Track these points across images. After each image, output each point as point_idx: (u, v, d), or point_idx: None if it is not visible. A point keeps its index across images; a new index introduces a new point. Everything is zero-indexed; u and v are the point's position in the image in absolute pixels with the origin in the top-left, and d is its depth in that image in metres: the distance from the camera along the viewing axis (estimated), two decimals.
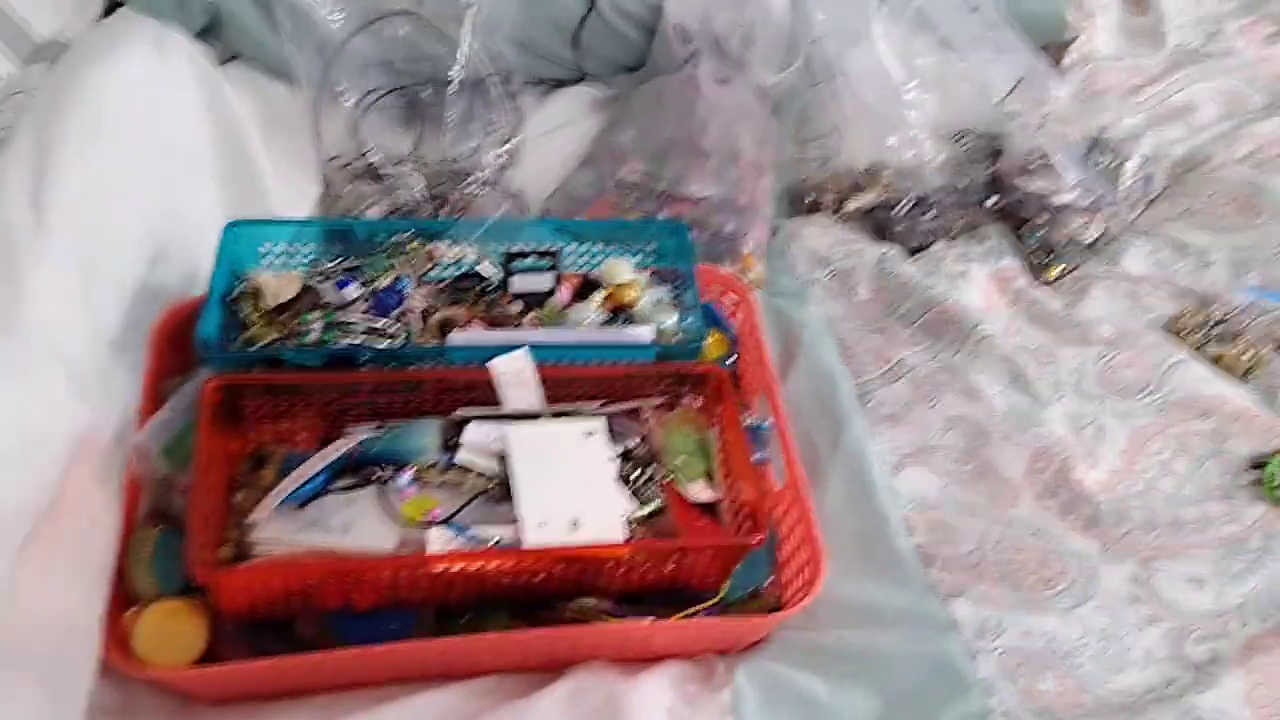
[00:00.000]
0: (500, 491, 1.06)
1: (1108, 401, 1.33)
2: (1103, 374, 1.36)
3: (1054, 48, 1.84)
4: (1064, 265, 1.55)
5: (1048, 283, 1.54)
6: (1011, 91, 1.64)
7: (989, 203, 1.61)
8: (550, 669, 1.06)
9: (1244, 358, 1.39)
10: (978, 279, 1.50)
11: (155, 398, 1.13)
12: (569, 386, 1.14)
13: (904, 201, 1.58)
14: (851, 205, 1.59)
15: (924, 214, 1.58)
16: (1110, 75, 1.83)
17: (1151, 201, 1.66)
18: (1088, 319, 1.44)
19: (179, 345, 1.17)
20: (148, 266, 1.22)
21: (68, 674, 0.93)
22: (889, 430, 1.29)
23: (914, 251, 1.56)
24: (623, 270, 1.27)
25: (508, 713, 1.00)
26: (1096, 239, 1.57)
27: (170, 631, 0.98)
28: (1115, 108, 1.78)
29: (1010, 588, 1.14)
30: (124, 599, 1.01)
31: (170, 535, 1.03)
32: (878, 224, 1.60)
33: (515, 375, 1.10)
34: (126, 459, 1.07)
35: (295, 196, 1.45)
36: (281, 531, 1.00)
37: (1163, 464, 1.27)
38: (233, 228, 1.20)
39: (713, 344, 1.30)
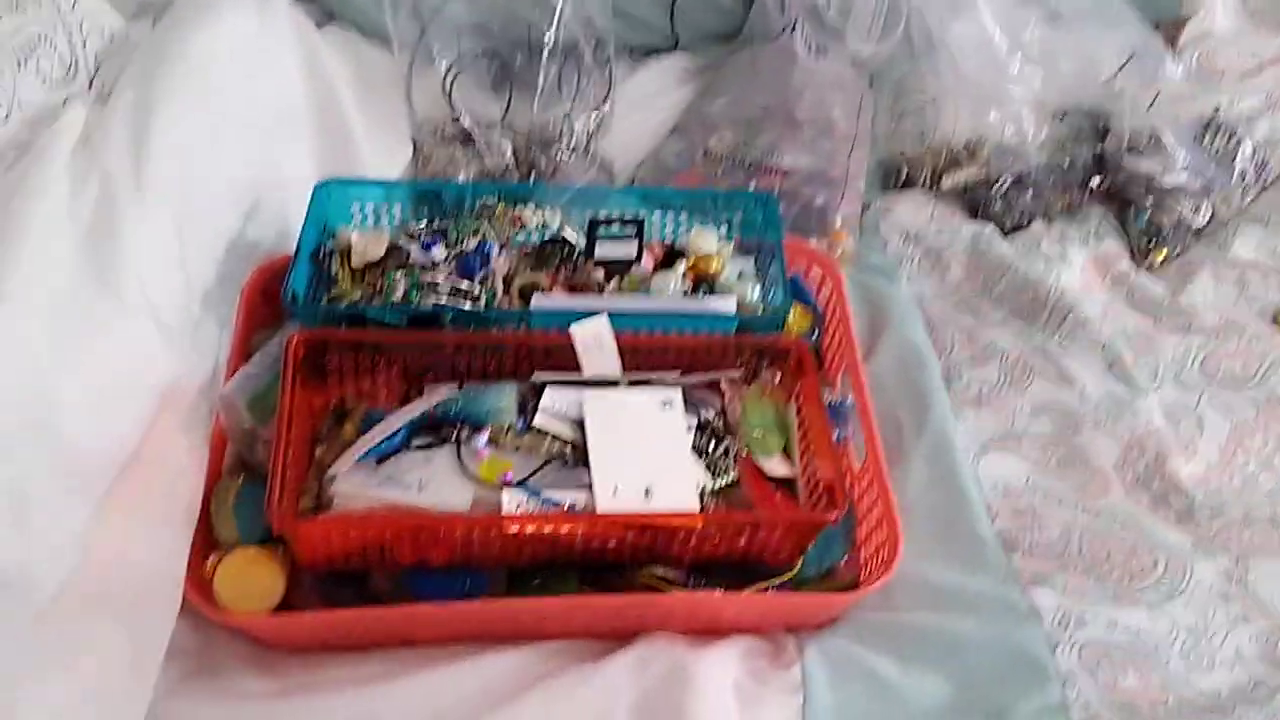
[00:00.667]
0: (575, 457, 1.06)
1: (1208, 392, 1.28)
2: (1204, 364, 1.31)
3: (1169, 24, 1.76)
4: (1169, 249, 1.49)
5: (1152, 267, 1.49)
6: (1122, 68, 1.58)
7: (1093, 183, 1.56)
8: (618, 636, 1.06)
9: None
10: (1076, 261, 1.45)
11: (245, 351, 1.16)
12: (648, 355, 1.14)
13: (1002, 179, 1.53)
14: (947, 181, 1.55)
15: (1023, 193, 1.53)
16: (1227, 55, 1.75)
17: (1266, 187, 1.58)
18: (1192, 306, 1.39)
19: (271, 300, 1.19)
20: (242, 222, 1.24)
21: (149, 619, 0.97)
22: (975, 413, 1.25)
23: (1010, 231, 1.52)
24: (708, 241, 1.25)
25: (574, 676, 1.00)
26: (1205, 224, 1.50)
27: (249, 579, 1.00)
28: (1232, 89, 1.70)
29: (1096, 579, 1.11)
30: (207, 545, 1.03)
31: (253, 485, 1.05)
32: (974, 201, 1.56)
33: (595, 341, 1.10)
34: (213, 410, 1.10)
35: (387, 157, 1.47)
36: (359, 486, 1.02)
37: (1264, 459, 1.22)
38: (323, 187, 1.21)
39: (797, 318, 1.27)
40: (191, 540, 1.01)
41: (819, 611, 1.10)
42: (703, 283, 1.24)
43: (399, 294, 1.14)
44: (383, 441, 1.03)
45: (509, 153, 1.45)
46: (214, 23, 1.30)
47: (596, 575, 1.07)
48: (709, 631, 1.08)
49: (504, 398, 1.09)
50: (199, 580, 1.00)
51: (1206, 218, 1.50)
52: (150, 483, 1.01)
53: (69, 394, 0.97)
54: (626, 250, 1.23)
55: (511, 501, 1.00)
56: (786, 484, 1.13)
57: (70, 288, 1.01)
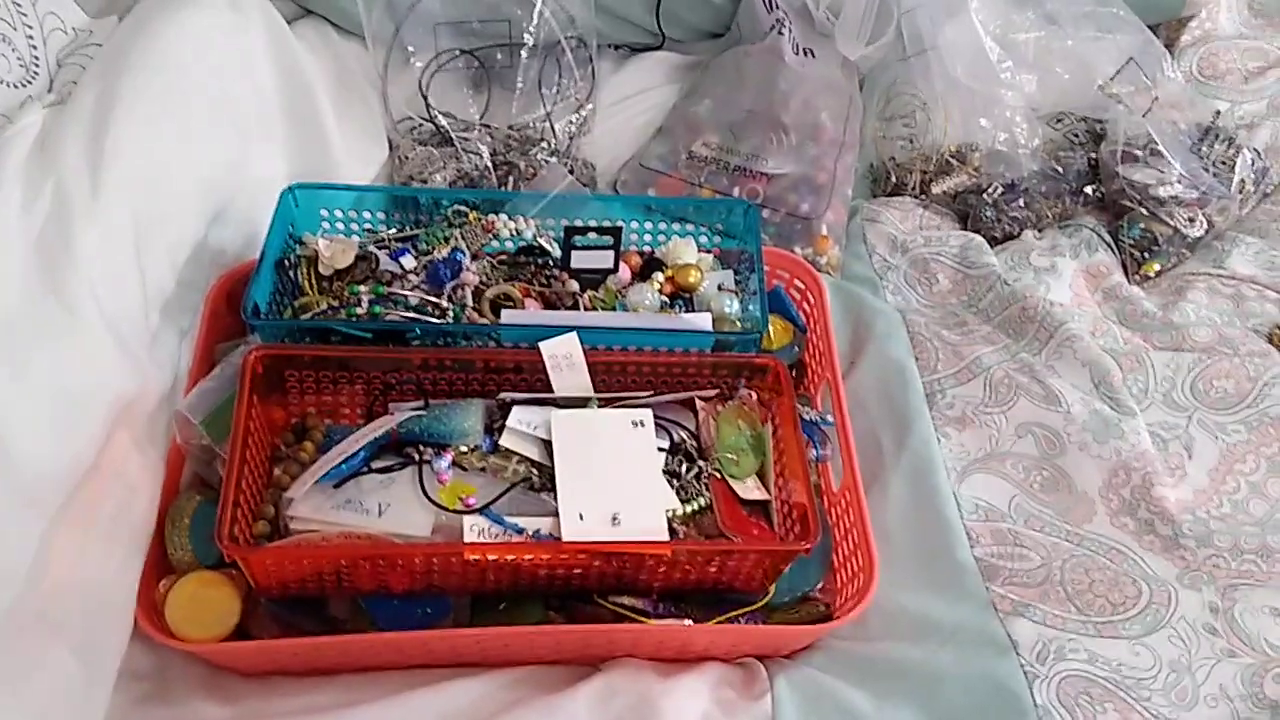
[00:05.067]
0: (541, 480, 1.03)
1: (1199, 414, 1.24)
2: (1195, 383, 1.27)
3: (1169, 26, 1.72)
4: (1163, 262, 1.45)
5: (1144, 280, 1.45)
6: (1119, 73, 1.54)
7: (1086, 191, 1.52)
8: (585, 663, 1.04)
9: None
10: (1067, 273, 1.41)
11: (207, 362, 1.13)
12: (621, 373, 1.10)
13: (993, 187, 1.50)
14: (937, 188, 1.52)
15: (1014, 201, 1.49)
16: (1229, 57, 1.70)
17: (1265, 196, 1.54)
18: (1184, 322, 1.34)
19: (236, 309, 1.15)
20: (207, 227, 1.20)
21: (100, 640, 0.94)
22: (957, 433, 1.22)
23: (1000, 240, 1.48)
24: (687, 251, 1.22)
25: (537, 709, 0.97)
26: (1201, 235, 1.46)
27: (203, 603, 0.98)
28: (1233, 93, 1.66)
29: (1077, 609, 1.07)
30: (162, 566, 1.00)
31: (210, 504, 1.02)
32: (963, 209, 1.52)
33: (564, 359, 1.07)
34: (171, 425, 1.06)
35: (362, 158, 1.43)
36: (316, 510, 0.99)
37: (1254, 485, 1.18)
38: (290, 192, 1.18)
39: (778, 332, 1.24)
40: (144, 561, 0.98)
41: (791, 641, 1.07)
42: (680, 295, 1.20)
43: (363, 307, 1.10)
44: (342, 463, 1.00)
45: (487, 155, 1.41)
46: (181, 18, 1.25)
47: (564, 600, 1.04)
48: (678, 659, 1.05)
49: (470, 417, 1.06)
50: (150, 604, 0.97)
51: (1202, 229, 1.46)
52: (103, 501, 0.97)
53: (19, 409, 0.93)
54: (603, 260, 1.19)
55: (473, 529, 0.97)
56: (761, 507, 1.10)
57: (21, 299, 0.97)
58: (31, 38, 1.17)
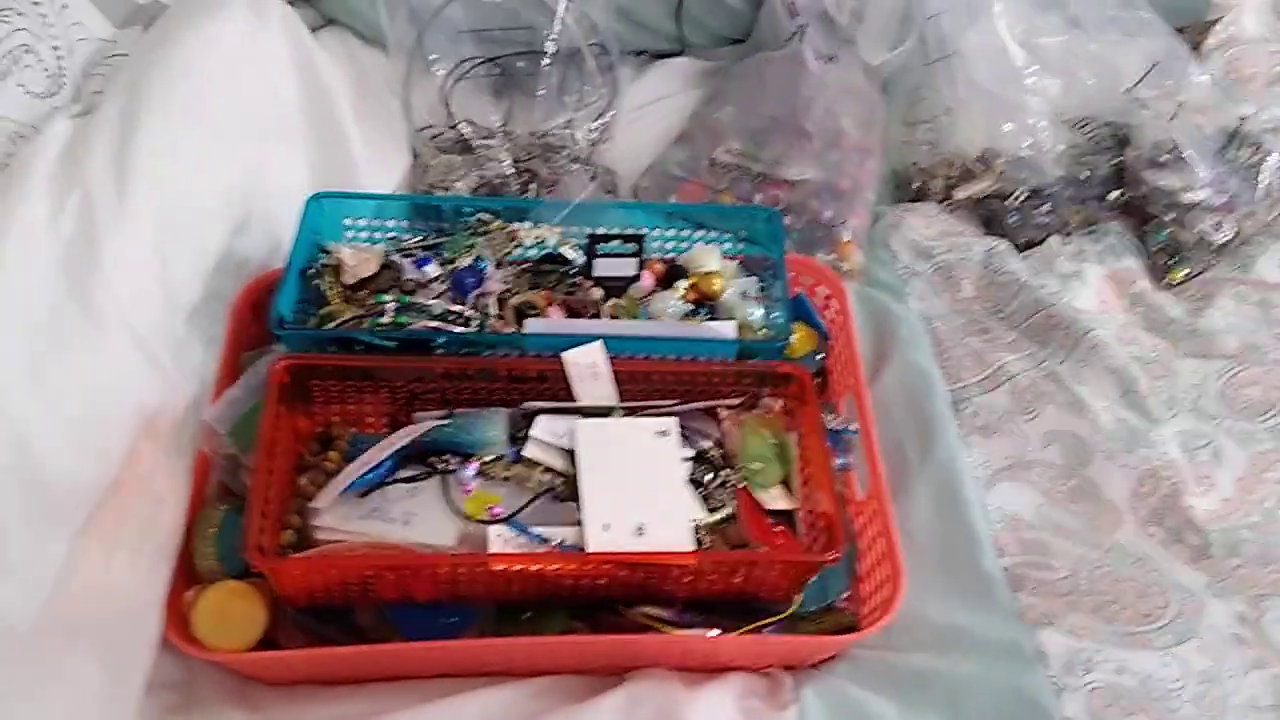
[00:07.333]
0: (566, 489, 1.03)
1: (1227, 422, 1.23)
2: (1224, 391, 1.26)
3: (1195, 29, 1.71)
4: (1190, 268, 1.44)
5: (1171, 286, 1.44)
6: (1144, 77, 1.53)
7: (1111, 197, 1.51)
8: (609, 673, 1.04)
9: None
10: (1093, 280, 1.40)
11: (233, 371, 1.13)
12: (644, 382, 1.10)
13: (1018, 192, 1.48)
14: (960, 194, 1.51)
15: (1039, 207, 1.48)
16: (1256, 60, 1.69)
17: None
18: (1212, 329, 1.34)
19: (261, 318, 1.16)
20: (231, 236, 1.21)
21: (126, 651, 0.94)
22: (983, 441, 1.21)
23: (1025, 247, 1.47)
24: (710, 258, 1.21)
25: (562, 719, 0.97)
26: (1228, 241, 1.45)
27: (230, 613, 0.97)
28: (1259, 97, 1.64)
29: (1105, 620, 1.07)
30: (188, 577, 1.01)
31: (237, 514, 1.02)
32: (988, 215, 1.51)
33: (589, 368, 1.06)
34: (197, 435, 1.07)
35: (384, 167, 1.43)
36: (342, 520, 0.99)
37: None
38: (315, 200, 1.18)
39: (801, 339, 1.24)
40: (172, 571, 0.99)
41: (818, 651, 1.07)
42: (704, 303, 1.20)
43: (388, 316, 1.10)
44: (368, 472, 1.00)
45: (509, 162, 1.41)
46: (206, 29, 1.26)
47: (588, 610, 1.04)
48: (704, 669, 1.05)
49: (494, 427, 1.06)
50: (177, 614, 0.97)
51: (1229, 235, 1.45)
52: (129, 511, 0.98)
53: (45, 420, 0.94)
54: (626, 268, 1.19)
55: (498, 539, 0.97)
56: (786, 516, 1.10)
57: (47, 310, 0.98)
58: (57, 48, 1.17)
